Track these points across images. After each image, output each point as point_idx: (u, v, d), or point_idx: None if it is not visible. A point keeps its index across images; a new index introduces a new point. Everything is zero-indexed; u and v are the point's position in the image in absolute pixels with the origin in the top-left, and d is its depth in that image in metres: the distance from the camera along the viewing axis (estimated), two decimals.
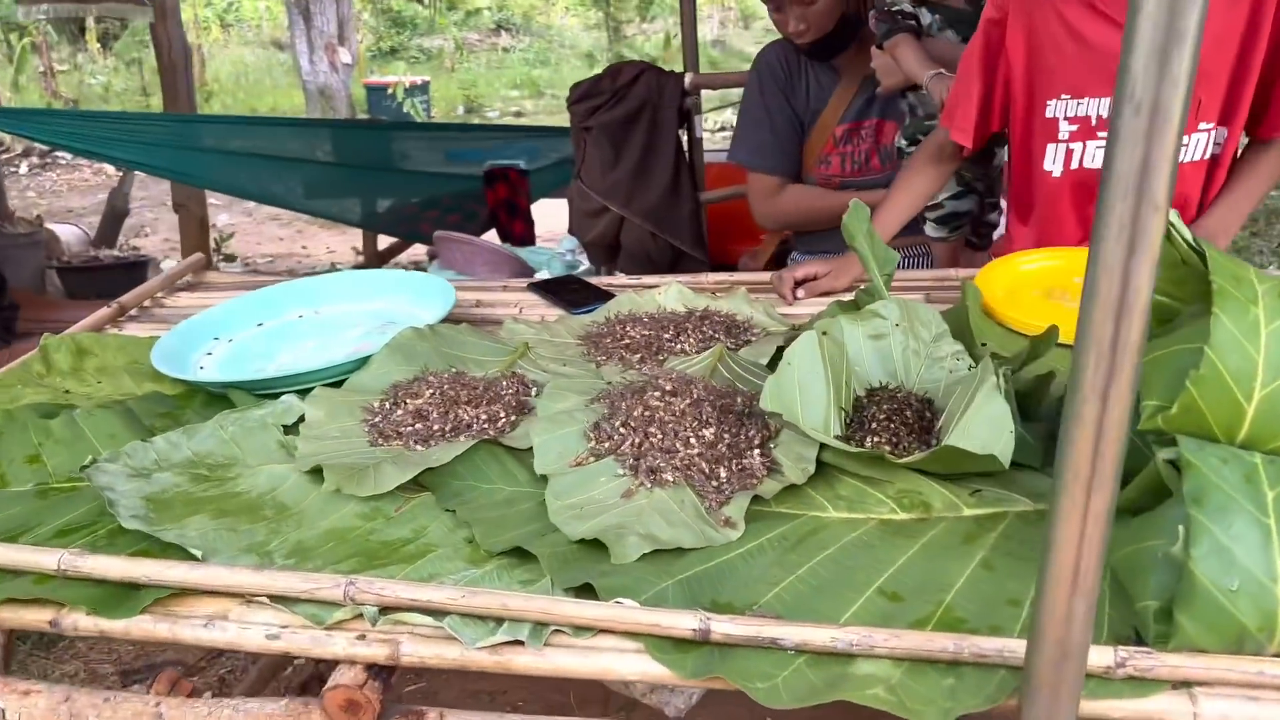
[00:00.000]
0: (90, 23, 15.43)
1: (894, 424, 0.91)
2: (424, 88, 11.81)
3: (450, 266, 3.05)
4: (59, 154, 10.57)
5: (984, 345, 1.10)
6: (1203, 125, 1.28)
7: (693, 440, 0.89)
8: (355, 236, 6.72)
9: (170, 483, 0.92)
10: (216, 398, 1.13)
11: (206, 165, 4.53)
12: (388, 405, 1.02)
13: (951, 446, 0.81)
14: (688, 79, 2.26)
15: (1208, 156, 1.31)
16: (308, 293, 1.38)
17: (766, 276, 1.42)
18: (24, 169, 10.00)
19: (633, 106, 2.19)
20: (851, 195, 1.94)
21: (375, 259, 5.24)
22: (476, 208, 3.88)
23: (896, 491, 0.86)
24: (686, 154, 2.34)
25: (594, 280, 1.50)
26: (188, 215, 5.12)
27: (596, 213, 2.26)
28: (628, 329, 1.22)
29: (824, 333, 0.92)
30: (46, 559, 0.80)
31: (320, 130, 4.95)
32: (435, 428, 0.98)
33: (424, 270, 5.64)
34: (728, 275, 1.46)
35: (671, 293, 1.33)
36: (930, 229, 1.85)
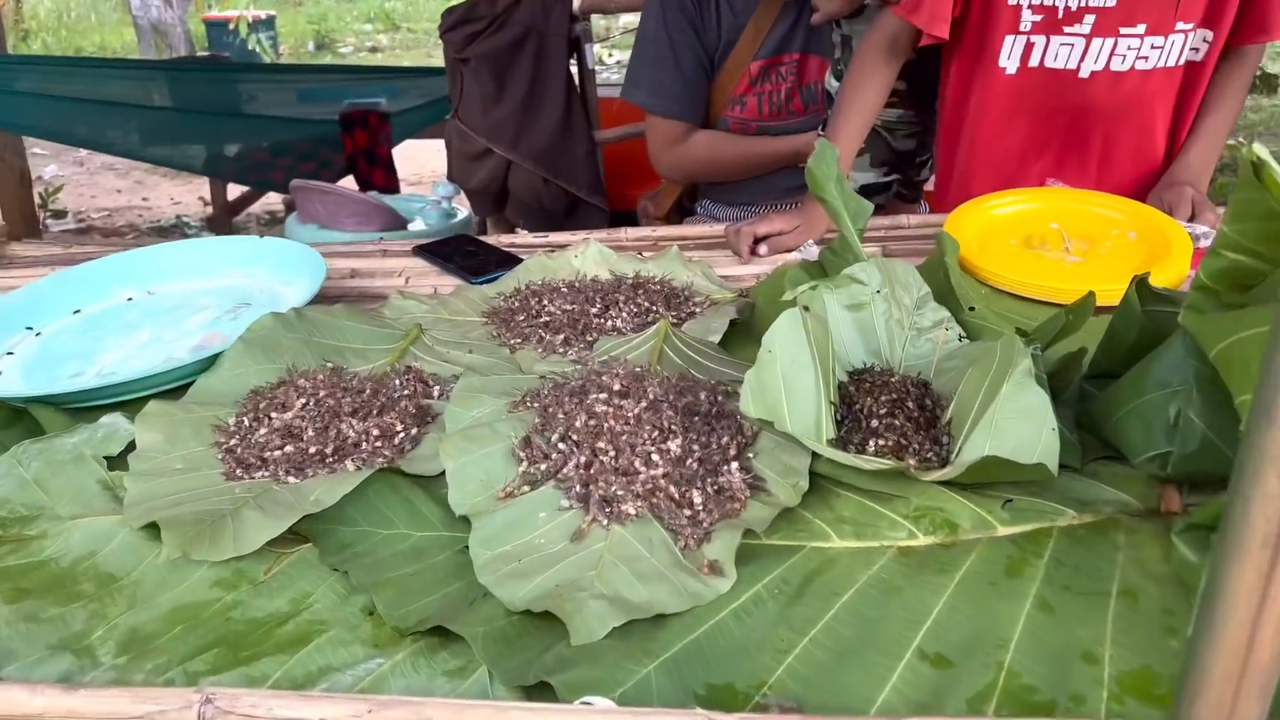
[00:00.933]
0: None
1: (897, 420, 0.74)
2: (269, 23, 11.00)
3: (312, 219, 2.74)
4: None
5: (971, 310, 0.94)
6: (1181, 26, 1.15)
7: (655, 456, 0.70)
8: (202, 186, 6.17)
9: None
10: (18, 414, 0.86)
11: (25, 109, 4.02)
12: (246, 421, 0.79)
13: (991, 458, 0.64)
14: (576, 2, 2.02)
15: (1182, 63, 1.17)
16: (138, 267, 1.11)
17: (696, 230, 1.23)
18: None
19: (516, 33, 1.93)
20: (782, 140, 1.75)
21: (225, 210, 4.80)
22: (332, 155, 3.54)
23: (914, 510, 0.68)
24: (579, 88, 2.10)
25: (491, 240, 1.28)
26: (5, 168, 4.55)
27: (479, 156, 2.01)
28: (544, 302, 1.01)
29: (806, 308, 0.74)
30: None
31: (157, 72, 4.45)
32: (311, 450, 0.75)
33: (281, 222, 5.22)
34: (651, 230, 1.26)
35: (590, 254, 1.12)
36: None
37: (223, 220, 4.78)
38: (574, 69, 2.10)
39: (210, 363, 0.87)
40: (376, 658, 0.59)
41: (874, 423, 0.74)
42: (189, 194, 6.13)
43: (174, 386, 0.88)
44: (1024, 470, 0.66)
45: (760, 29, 1.71)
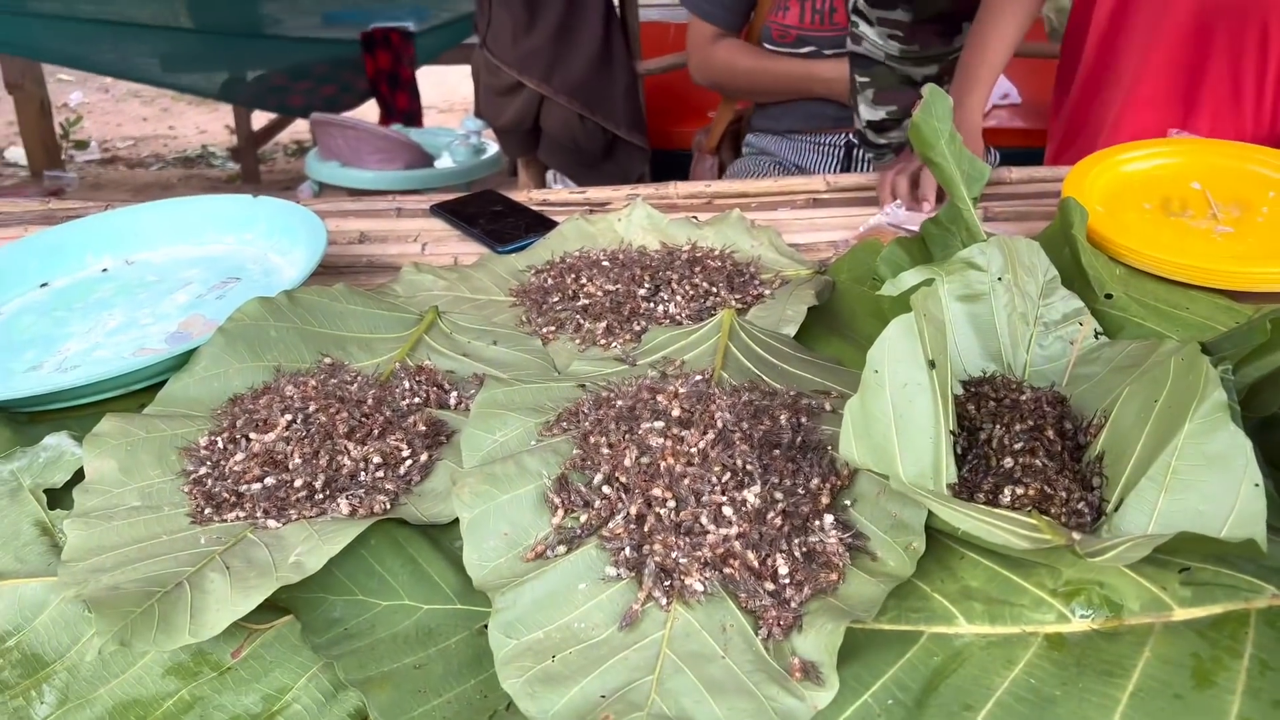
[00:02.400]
0: None
1: (1038, 459, 0.58)
2: None
3: (333, 156, 2.58)
4: None
5: (1109, 297, 0.77)
6: None
7: (727, 510, 0.54)
8: (229, 114, 6.00)
9: None
10: None
11: (36, 32, 3.86)
12: (220, 443, 0.64)
13: (1190, 534, 0.48)
14: None
15: None
16: (116, 231, 0.96)
17: (760, 185, 1.05)
18: None
19: None
20: (796, 60, 1.61)
21: (250, 140, 4.64)
22: (353, 78, 3.36)
23: (1063, 582, 0.53)
24: (618, 12, 1.90)
25: (521, 196, 1.11)
26: (25, 96, 4.42)
27: (509, 90, 1.83)
28: (583, 280, 0.85)
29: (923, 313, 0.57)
30: None
31: None
32: (297, 483, 0.60)
33: (307, 146, 5.04)
34: (705, 186, 1.09)
35: (636, 217, 0.95)
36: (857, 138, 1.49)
37: (248, 150, 4.63)
38: None
39: (185, 359, 0.72)
40: None
41: (1007, 461, 0.58)
42: (215, 122, 5.97)
43: (141, 389, 0.74)
44: (1219, 545, 0.50)
45: None
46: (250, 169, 4.62)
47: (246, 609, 0.51)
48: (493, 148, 2.81)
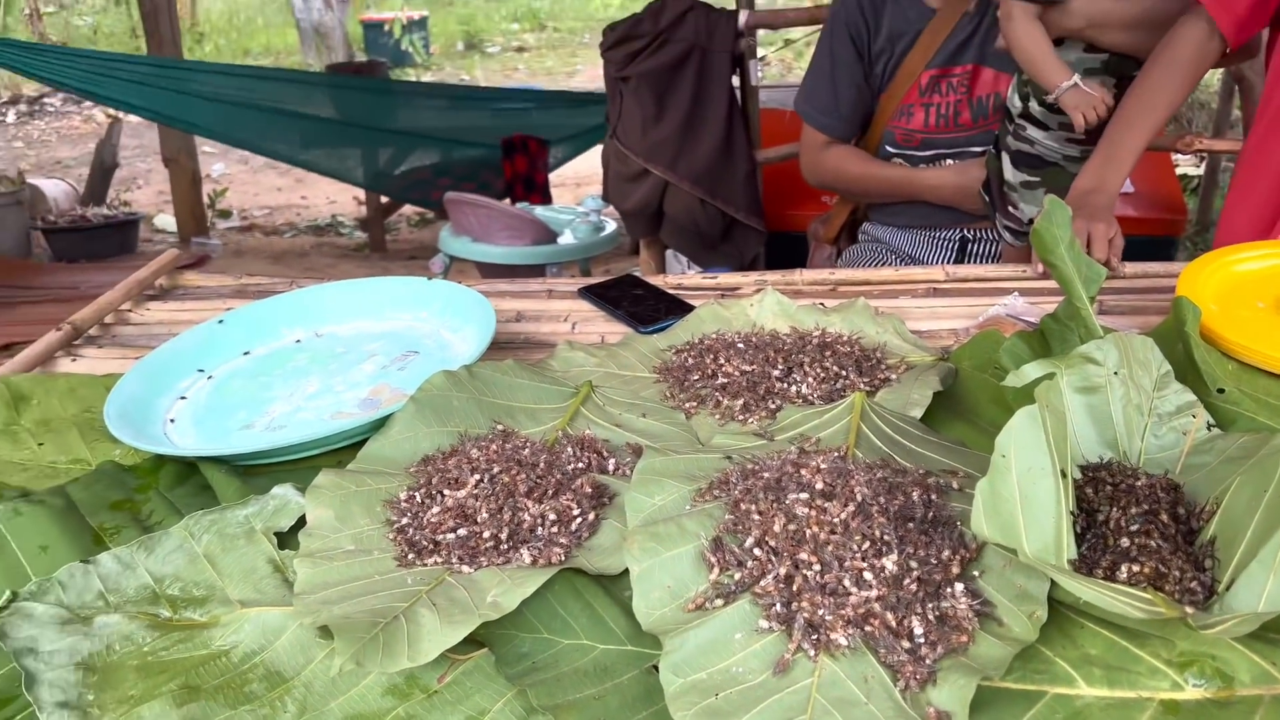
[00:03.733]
0: None
1: (1152, 540, 0.64)
2: (422, 23, 11.33)
3: (465, 232, 2.76)
4: (47, 101, 10.17)
5: (1220, 392, 0.82)
6: None
7: (867, 575, 0.61)
8: (357, 187, 6.39)
9: (119, 633, 0.65)
10: (190, 469, 0.85)
11: (200, 111, 4.23)
12: (418, 497, 0.74)
13: None
14: (742, 18, 1.94)
15: None
16: (306, 308, 1.09)
17: (880, 274, 1.13)
18: (11, 117, 9.63)
19: (678, 51, 1.87)
20: (902, 169, 1.69)
21: (379, 212, 4.93)
22: (492, 178, 3.59)
23: (1178, 654, 0.58)
24: (741, 105, 2.02)
25: (657, 280, 1.21)
26: (179, 170, 4.81)
27: (636, 176, 1.96)
28: (720, 361, 0.93)
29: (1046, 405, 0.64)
30: None
31: (326, 84, 4.59)
32: (486, 535, 0.70)
33: (430, 224, 5.31)
34: (829, 274, 1.17)
35: (768, 304, 1.04)
36: (1006, 232, 1.55)
37: (376, 221, 4.93)
38: (736, 84, 2.02)
39: (381, 424, 0.83)
40: None
41: (1124, 541, 0.64)
42: (344, 194, 6.35)
43: (341, 447, 0.85)
44: None
45: (935, 38, 1.61)
46: (377, 239, 4.90)
47: (455, 640, 0.60)
48: (610, 225, 2.95)
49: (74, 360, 1.11)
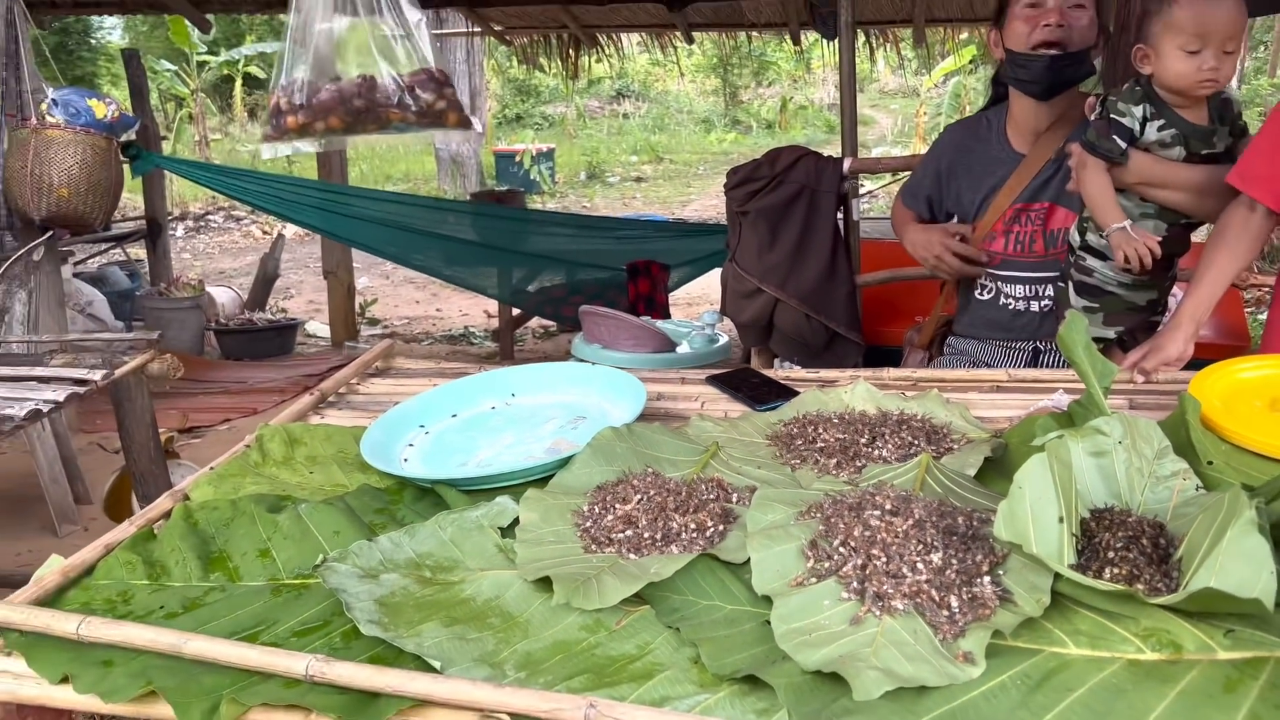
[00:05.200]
0: (238, 95, 16.53)
1: (1131, 554, 0.88)
2: (549, 155, 12.18)
3: (595, 340, 3.11)
4: (210, 217, 11.27)
5: (1210, 464, 1.05)
6: None
7: (919, 565, 0.87)
8: (487, 300, 6.92)
9: (398, 584, 0.95)
10: (425, 491, 1.16)
11: (361, 230, 4.77)
12: (597, 510, 1.04)
13: (1213, 589, 0.77)
14: (847, 164, 2.27)
15: None
16: (499, 384, 1.42)
17: (953, 374, 1.40)
18: (180, 232, 10.68)
19: (791, 191, 2.21)
20: (956, 232, 1.97)
21: (509, 324, 5.38)
22: (618, 297, 3.99)
23: (1143, 629, 0.82)
24: (844, 236, 2.34)
25: (767, 372, 1.50)
26: (336, 282, 5.38)
27: (751, 294, 2.28)
28: (819, 431, 1.21)
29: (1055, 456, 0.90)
30: (295, 664, 0.83)
31: (470, 210, 5.13)
32: (645, 535, 0.98)
33: (553, 337, 5.72)
34: (911, 372, 1.44)
35: (859, 391, 1.32)
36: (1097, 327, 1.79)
37: (506, 332, 5.37)
38: (840, 218, 2.34)
39: (564, 463, 1.14)
40: (703, 694, 0.80)
41: (1110, 554, 0.88)
42: (475, 307, 6.89)
43: (536, 479, 1.15)
44: (1241, 604, 0.78)
45: (1023, 179, 1.90)
46: (506, 348, 5.34)
47: (630, 591, 0.88)
48: (724, 338, 3.27)
49: (321, 417, 1.45)
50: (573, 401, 1.37)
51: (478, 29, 6.04)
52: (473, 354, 5.68)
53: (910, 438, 1.17)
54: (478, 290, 4.92)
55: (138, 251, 6.44)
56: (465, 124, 1.39)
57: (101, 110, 3.26)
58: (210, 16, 5.99)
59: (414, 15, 1.55)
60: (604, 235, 4.89)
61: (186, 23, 12.51)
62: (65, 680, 0.88)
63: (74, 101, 3.26)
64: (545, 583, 0.93)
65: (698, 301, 6.46)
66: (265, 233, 10.39)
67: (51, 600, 1.01)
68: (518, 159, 11.60)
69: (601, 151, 14.26)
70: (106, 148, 3.26)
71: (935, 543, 0.90)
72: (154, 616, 0.96)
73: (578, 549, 0.99)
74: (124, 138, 3.49)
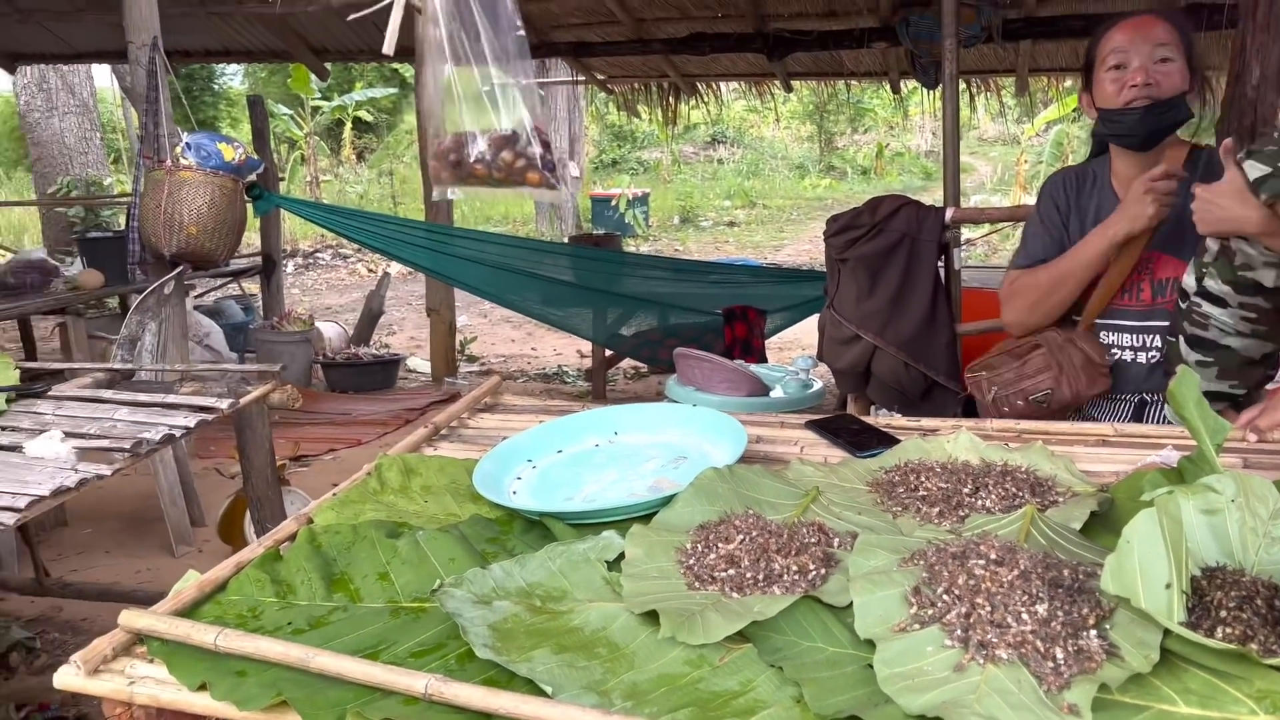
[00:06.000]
0: (347, 138, 17.25)
1: (1245, 614, 0.86)
2: (644, 199, 12.36)
3: (690, 382, 3.15)
4: (318, 255, 11.74)
5: None
6: None
7: (1024, 615, 0.87)
8: (580, 340, 7.02)
9: (510, 611, 0.99)
10: (533, 523, 1.21)
11: (464, 269, 4.91)
12: (699, 548, 1.06)
13: None
14: (949, 214, 2.28)
15: None
16: (603, 422, 1.46)
17: (1058, 426, 1.39)
18: (290, 268, 11.14)
19: (891, 239, 2.22)
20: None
21: (602, 365, 5.45)
22: (714, 341, 4.03)
23: (1256, 691, 0.80)
24: (945, 285, 2.34)
25: (867, 419, 1.51)
26: (438, 320, 5.55)
27: (848, 340, 2.29)
28: (921, 479, 1.22)
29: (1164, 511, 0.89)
30: (415, 683, 0.87)
31: (568, 252, 5.25)
32: (748, 575, 1.01)
33: (645, 378, 5.77)
34: (1014, 424, 1.44)
35: (961, 441, 1.32)
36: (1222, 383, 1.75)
37: (599, 372, 5.45)
38: (941, 267, 2.34)
39: (666, 501, 1.17)
40: None
41: (1223, 613, 0.87)
42: (569, 347, 7.01)
43: (639, 516, 1.19)
44: None
45: None
46: (599, 388, 5.42)
47: (733, 630, 0.90)
48: (817, 383, 3.27)
49: (435, 449, 1.52)
50: (674, 441, 1.41)
51: (582, 78, 6.22)
52: (566, 392, 5.78)
53: (1014, 489, 1.17)
54: (572, 331, 5.01)
55: (252, 286, 6.76)
56: (548, 185, 1.46)
57: (230, 153, 3.47)
58: (328, 65, 6.31)
59: (521, 66, 1.62)
60: (699, 279, 4.94)
61: (306, 70, 13.17)
62: (203, 687, 0.94)
63: (205, 145, 3.48)
64: (650, 616, 0.96)
65: (790, 346, 6.45)
66: (370, 270, 10.77)
67: (188, 612, 1.08)
68: (613, 203, 11.80)
69: (695, 196, 14.40)
70: (233, 189, 3.46)
71: (1041, 594, 0.90)
72: (283, 632, 1.02)
73: (681, 585, 1.01)
74: (248, 179, 3.70)
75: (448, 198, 5.08)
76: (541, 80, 9.02)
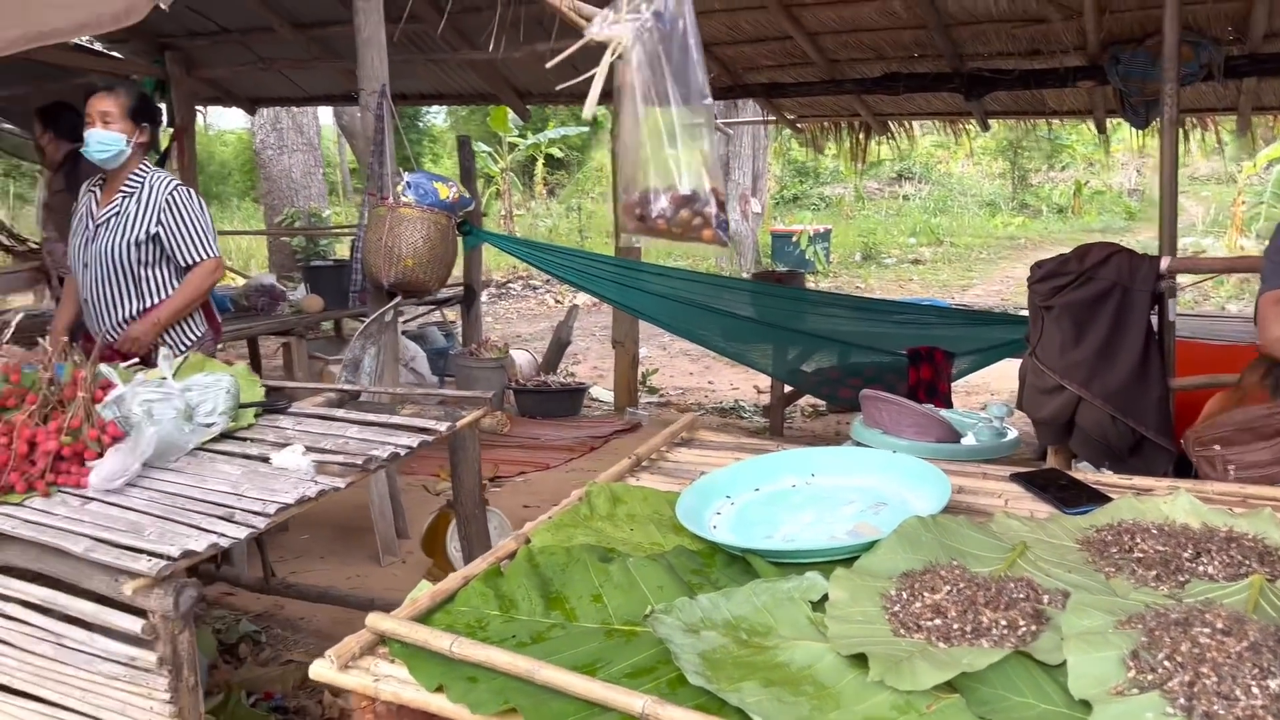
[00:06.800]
0: (539, 174, 18.01)
1: None
2: (825, 235, 12.27)
3: (876, 425, 3.12)
4: (510, 285, 12.28)
5: None
6: None
7: (1255, 689, 0.85)
8: (756, 377, 7.03)
9: (717, 642, 1.04)
10: (734, 558, 1.26)
11: (649, 303, 5.03)
12: (904, 595, 1.08)
13: None
14: (1165, 262, 2.18)
15: None
16: (800, 463, 1.49)
17: None
18: (484, 298, 11.69)
19: (1100, 288, 2.15)
20: None
21: (780, 401, 5.45)
22: (897, 382, 3.97)
23: None
24: (1158, 337, 2.24)
25: (1080, 475, 1.47)
26: (622, 351, 5.71)
27: (1051, 390, 2.22)
28: (1137, 540, 1.18)
29: None
30: (634, 702, 0.93)
31: (750, 288, 5.30)
32: (954, 626, 1.01)
33: (823, 416, 5.72)
34: (1239, 487, 1.37)
35: (1180, 503, 1.27)
36: None
37: (776, 409, 5.45)
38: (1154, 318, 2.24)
39: (868, 546, 1.19)
40: None
41: None
42: (745, 381, 7.03)
43: (839, 559, 1.21)
44: None
45: None
46: (776, 425, 5.41)
47: (945, 677, 0.92)
48: (1012, 433, 3.16)
49: (636, 479, 1.59)
50: (872, 486, 1.42)
51: (771, 117, 6.29)
52: (743, 427, 5.80)
53: (1240, 557, 1.12)
54: (752, 365, 5.04)
55: (451, 314, 7.16)
56: (719, 242, 1.54)
57: (445, 192, 3.73)
58: (530, 106, 6.65)
59: (707, 126, 1.69)
60: (883, 318, 4.88)
61: (508, 111, 13.89)
62: (439, 689, 1.04)
63: (423, 184, 3.75)
64: (856, 658, 0.98)
65: (976, 391, 6.24)
66: (557, 301, 11.18)
67: (422, 619, 1.18)
68: (794, 239, 11.77)
69: (879, 233, 14.16)
70: (446, 224, 3.71)
71: (1273, 668, 0.87)
72: (508, 644, 1.10)
73: (886, 631, 1.03)
74: (459, 216, 3.95)
75: (633, 244, 5.24)
76: (728, 121, 9.15)
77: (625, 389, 5.73)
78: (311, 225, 9.97)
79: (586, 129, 16.70)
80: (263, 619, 2.88)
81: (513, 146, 16.09)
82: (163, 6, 2.18)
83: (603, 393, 6.39)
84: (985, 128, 5.65)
